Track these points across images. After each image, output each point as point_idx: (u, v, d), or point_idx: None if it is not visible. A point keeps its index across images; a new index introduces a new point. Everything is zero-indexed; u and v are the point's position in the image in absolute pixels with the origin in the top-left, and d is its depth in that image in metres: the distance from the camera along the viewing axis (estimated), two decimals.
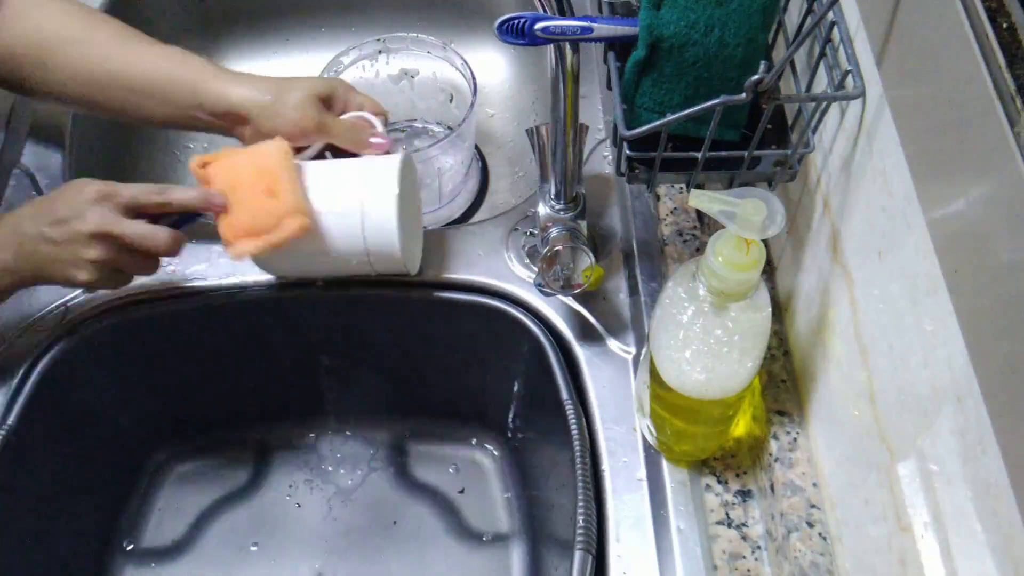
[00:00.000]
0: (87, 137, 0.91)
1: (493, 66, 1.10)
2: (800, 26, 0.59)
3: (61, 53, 0.74)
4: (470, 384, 0.88)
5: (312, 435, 0.93)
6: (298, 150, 0.74)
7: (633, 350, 0.75)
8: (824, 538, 0.60)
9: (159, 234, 0.67)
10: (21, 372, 0.74)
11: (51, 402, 0.76)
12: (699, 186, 0.61)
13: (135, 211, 0.67)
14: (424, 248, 0.80)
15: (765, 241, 0.53)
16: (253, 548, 0.87)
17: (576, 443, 0.69)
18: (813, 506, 0.61)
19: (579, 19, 0.57)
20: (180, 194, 0.68)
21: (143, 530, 0.88)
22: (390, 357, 0.87)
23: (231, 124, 0.75)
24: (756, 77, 0.51)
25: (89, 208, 0.65)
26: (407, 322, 0.82)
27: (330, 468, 0.91)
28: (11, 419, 0.72)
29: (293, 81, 0.75)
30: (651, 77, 0.57)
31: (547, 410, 0.75)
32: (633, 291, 0.78)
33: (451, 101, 1.01)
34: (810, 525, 0.61)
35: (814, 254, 0.63)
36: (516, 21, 0.56)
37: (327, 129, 0.74)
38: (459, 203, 0.99)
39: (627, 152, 0.60)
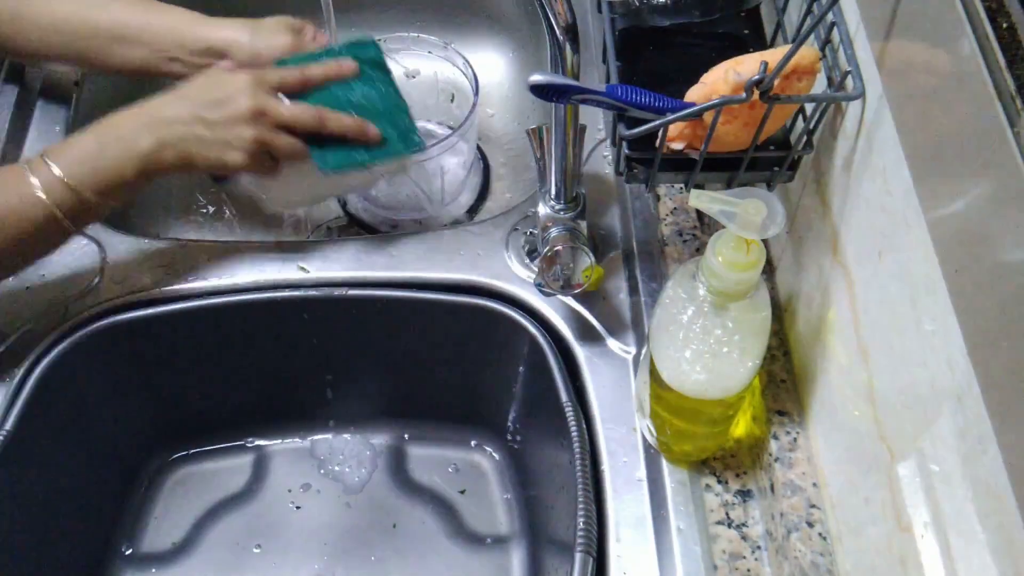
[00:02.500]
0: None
1: (493, 66, 1.10)
2: (800, 26, 0.59)
3: (37, 2, 0.74)
4: (469, 385, 0.88)
5: (311, 437, 0.93)
6: None
7: (633, 350, 0.75)
8: (824, 538, 0.60)
9: (307, 112, 0.70)
10: (20, 374, 0.74)
11: (50, 405, 0.76)
12: (699, 186, 0.61)
13: (276, 91, 0.70)
14: (424, 248, 0.80)
15: (765, 241, 0.53)
16: (253, 551, 0.87)
17: (576, 444, 0.69)
18: (813, 506, 0.61)
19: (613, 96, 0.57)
20: (316, 69, 0.72)
21: (142, 534, 0.87)
22: (389, 359, 0.87)
23: (210, 64, 0.75)
24: (756, 77, 0.51)
25: (246, 89, 0.68)
26: (406, 323, 0.82)
27: (329, 470, 0.91)
28: (9, 422, 0.72)
29: (266, 18, 0.78)
30: None
31: (547, 411, 0.75)
32: (633, 291, 0.78)
33: (452, 101, 1.01)
34: (810, 525, 0.61)
35: (814, 254, 0.63)
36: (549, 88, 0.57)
37: (303, 52, 0.76)
38: (460, 203, 0.99)
39: (626, 152, 0.60)
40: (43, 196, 0.64)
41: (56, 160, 0.65)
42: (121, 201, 0.69)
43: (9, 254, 0.66)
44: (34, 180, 0.64)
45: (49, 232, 0.66)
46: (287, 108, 0.70)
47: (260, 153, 0.70)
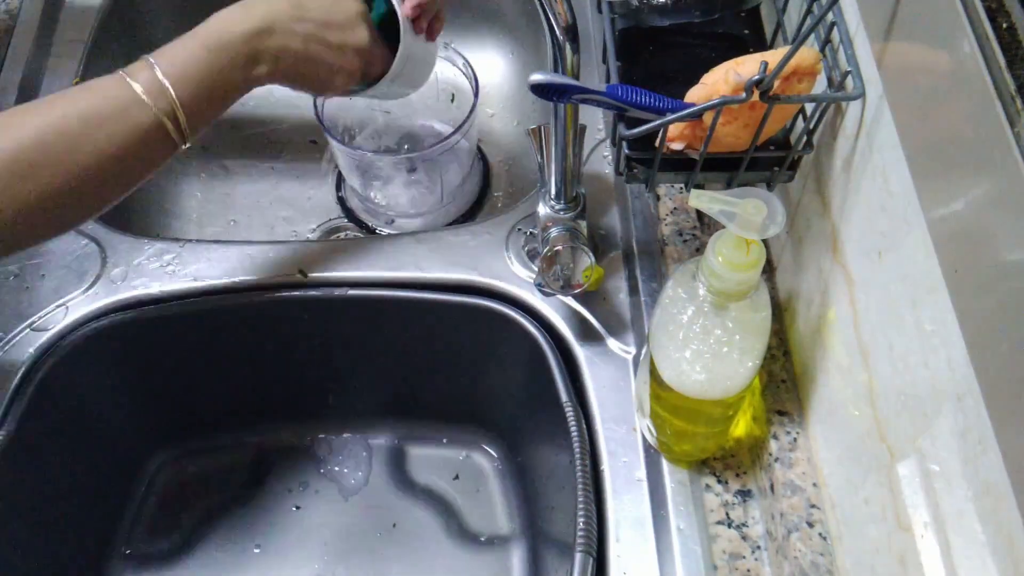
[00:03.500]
0: None
1: (493, 66, 1.10)
2: (800, 26, 0.59)
3: None
4: (469, 385, 0.88)
5: (311, 438, 0.93)
6: None
7: (633, 350, 0.75)
8: (824, 538, 0.60)
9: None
10: (20, 375, 0.74)
11: (50, 405, 0.76)
12: (699, 186, 0.61)
13: None
14: (425, 248, 0.80)
15: (765, 241, 0.53)
16: (253, 551, 0.87)
17: (576, 444, 0.69)
18: (813, 506, 0.61)
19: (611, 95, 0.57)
20: None
21: (142, 534, 0.87)
22: (389, 359, 0.87)
23: None
24: (756, 77, 0.51)
25: (360, 23, 0.68)
26: (406, 323, 0.82)
27: (329, 471, 0.91)
28: (9, 422, 0.72)
29: None
30: None
31: (547, 411, 0.75)
32: (633, 291, 0.78)
33: (452, 101, 1.01)
34: (810, 525, 0.61)
35: (814, 254, 0.63)
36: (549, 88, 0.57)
37: None
38: (460, 203, 0.99)
39: (626, 152, 0.60)
40: (146, 100, 0.59)
41: (160, 60, 0.61)
42: (225, 109, 0.65)
43: (115, 168, 0.59)
44: (136, 84, 0.59)
45: (156, 141, 0.60)
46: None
47: (359, 68, 0.69)
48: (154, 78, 0.60)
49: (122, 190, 0.62)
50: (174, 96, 0.60)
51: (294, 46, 0.64)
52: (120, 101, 0.59)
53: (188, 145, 0.62)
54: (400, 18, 0.73)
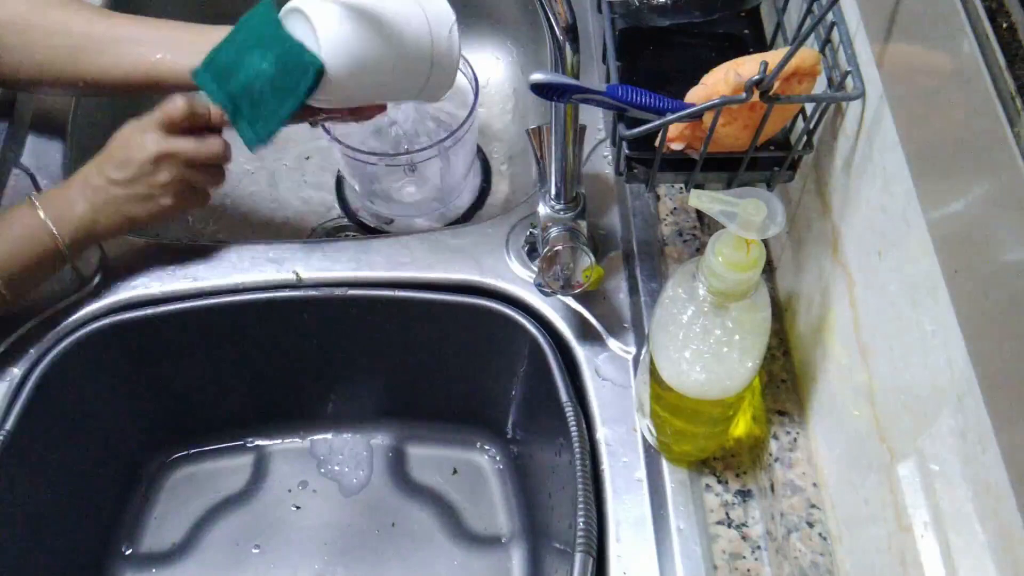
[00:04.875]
0: (88, 135, 0.91)
1: (493, 66, 1.10)
2: (800, 27, 0.59)
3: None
4: (469, 385, 0.88)
5: (311, 437, 0.93)
6: None
7: (633, 350, 0.75)
8: (824, 538, 0.60)
9: (211, 142, 0.72)
10: (20, 374, 0.74)
11: (50, 405, 0.76)
12: (699, 186, 0.61)
13: (176, 128, 0.71)
14: (424, 248, 0.80)
15: (765, 241, 0.53)
16: (253, 551, 0.87)
17: (576, 444, 0.69)
18: (813, 506, 0.61)
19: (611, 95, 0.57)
20: (202, 107, 0.73)
21: (142, 534, 0.87)
22: (389, 359, 0.87)
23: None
24: (756, 77, 0.51)
25: (144, 141, 0.70)
26: (406, 323, 0.82)
27: (329, 470, 0.91)
28: (9, 422, 0.72)
29: None
30: None
31: (547, 411, 0.75)
32: (633, 291, 0.78)
33: (452, 101, 1.01)
34: (810, 525, 0.61)
35: (814, 254, 0.63)
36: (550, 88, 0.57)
37: None
38: (460, 203, 0.99)
39: (626, 152, 0.60)
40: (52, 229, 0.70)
41: (42, 205, 0.70)
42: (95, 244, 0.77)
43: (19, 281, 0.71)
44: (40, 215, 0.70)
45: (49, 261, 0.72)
46: (187, 145, 0.71)
47: (185, 190, 0.73)
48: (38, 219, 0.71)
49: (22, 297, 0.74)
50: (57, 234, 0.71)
51: (104, 199, 0.71)
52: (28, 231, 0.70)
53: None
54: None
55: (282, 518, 0.88)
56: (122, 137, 0.71)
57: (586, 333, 0.76)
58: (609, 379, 0.73)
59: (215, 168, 0.75)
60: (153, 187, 0.71)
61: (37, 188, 0.84)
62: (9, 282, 0.70)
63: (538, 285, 0.73)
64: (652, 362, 0.60)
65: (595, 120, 0.90)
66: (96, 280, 0.78)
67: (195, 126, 0.72)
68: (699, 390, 0.58)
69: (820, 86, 0.58)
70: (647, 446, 0.69)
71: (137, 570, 0.85)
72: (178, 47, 0.75)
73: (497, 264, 0.80)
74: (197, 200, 0.75)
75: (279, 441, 0.93)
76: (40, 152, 0.87)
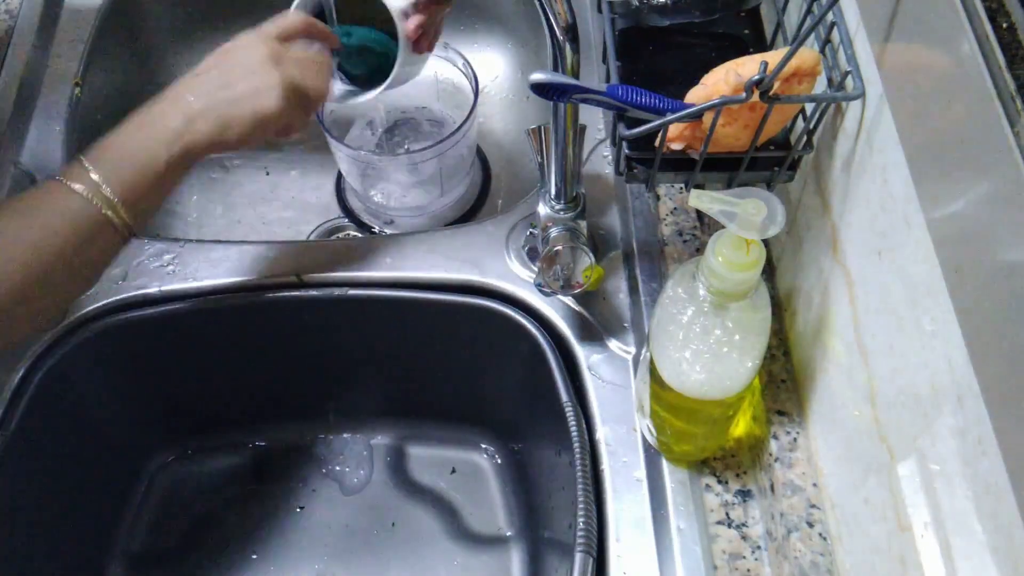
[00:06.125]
0: (88, 135, 0.91)
1: (493, 66, 1.10)
2: (800, 26, 0.59)
3: None
4: (469, 385, 0.88)
5: (311, 438, 0.93)
6: None
7: (633, 350, 0.75)
8: (824, 538, 0.60)
9: (320, 48, 0.71)
10: (20, 374, 0.74)
11: (50, 405, 0.76)
12: (699, 186, 0.61)
13: (288, 39, 0.69)
14: (424, 248, 0.80)
15: (765, 241, 0.53)
16: (253, 551, 0.87)
17: (576, 444, 0.69)
18: (813, 506, 0.61)
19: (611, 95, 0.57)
20: (316, 24, 0.72)
21: (142, 534, 0.87)
22: (389, 359, 0.87)
23: None
24: (756, 77, 0.51)
25: (256, 42, 0.67)
26: (406, 323, 0.82)
27: (329, 470, 0.91)
28: (10, 423, 0.72)
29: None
30: None
31: (547, 411, 0.75)
32: (633, 291, 0.78)
33: (452, 101, 1.01)
34: (810, 525, 0.61)
35: (814, 254, 0.63)
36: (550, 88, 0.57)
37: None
38: (460, 203, 0.99)
39: (626, 152, 0.60)
40: (93, 200, 0.61)
41: (92, 163, 0.62)
42: (167, 192, 0.65)
43: (73, 270, 0.62)
44: (77, 187, 0.60)
45: (105, 237, 0.62)
46: (298, 49, 0.69)
47: (292, 94, 0.67)
48: (91, 180, 0.61)
49: (86, 286, 0.66)
50: (112, 193, 0.61)
51: (207, 103, 0.64)
52: (66, 210, 0.60)
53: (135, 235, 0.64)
54: (400, 41, 0.73)
55: (282, 518, 0.88)
56: (224, 48, 0.67)
57: (586, 333, 0.76)
58: (609, 379, 0.73)
59: (323, 74, 0.70)
60: (262, 84, 0.65)
61: None
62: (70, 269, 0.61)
63: (538, 285, 0.73)
64: (652, 362, 0.60)
65: (595, 120, 0.90)
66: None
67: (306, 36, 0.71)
68: (699, 390, 0.58)
69: (820, 86, 0.58)
70: (647, 446, 0.69)
71: (137, 570, 0.85)
72: None
73: (497, 264, 0.80)
74: (301, 112, 0.68)
75: (279, 441, 0.93)
76: (40, 152, 0.87)
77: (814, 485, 0.62)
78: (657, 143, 0.58)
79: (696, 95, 0.56)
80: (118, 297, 0.78)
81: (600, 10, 0.65)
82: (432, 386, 0.89)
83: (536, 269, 0.76)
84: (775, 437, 0.65)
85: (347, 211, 1.00)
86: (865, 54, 0.53)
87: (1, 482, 0.71)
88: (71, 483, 0.81)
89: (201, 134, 0.64)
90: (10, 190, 0.84)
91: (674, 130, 0.58)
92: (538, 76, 0.56)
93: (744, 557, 0.64)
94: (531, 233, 0.81)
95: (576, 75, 0.63)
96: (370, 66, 0.79)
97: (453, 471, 0.91)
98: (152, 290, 0.78)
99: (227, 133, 0.64)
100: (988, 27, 0.39)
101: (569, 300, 0.77)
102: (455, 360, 0.86)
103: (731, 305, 0.54)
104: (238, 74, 0.65)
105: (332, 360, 0.87)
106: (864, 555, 0.55)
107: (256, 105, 0.65)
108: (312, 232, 0.99)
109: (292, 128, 0.70)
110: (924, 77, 0.46)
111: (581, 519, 0.65)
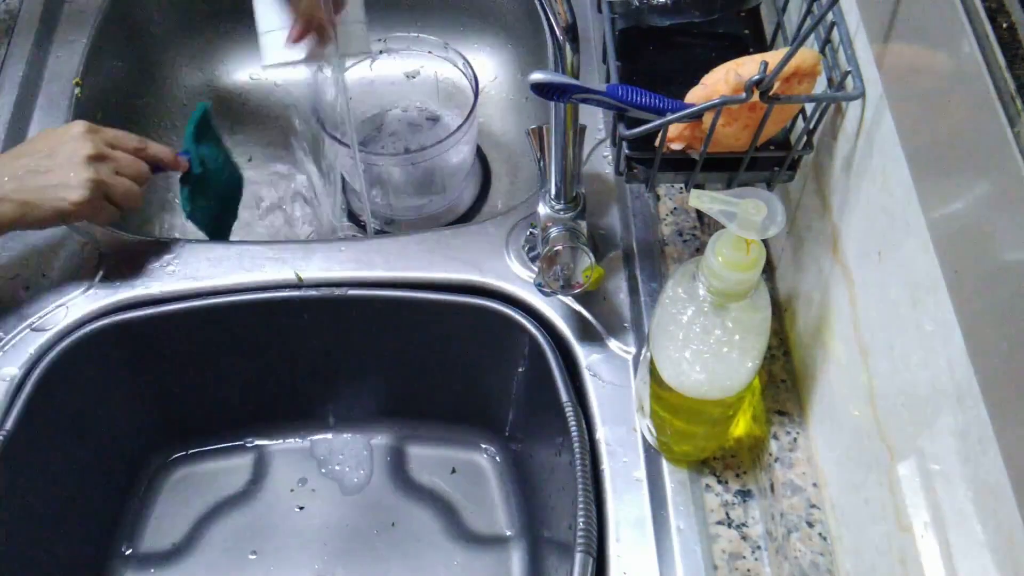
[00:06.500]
0: None
1: (493, 66, 1.10)
2: (800, 26, 0.59)
3: None
4: (469, 385, 0.88)
5: (311, 437, 0.93)
6: None
7: (633, 350, 0.75)
8: (824, 538, 0.60)
9: (140, 163, 0.75)
10: (20, 374, 0.74)
11: (50, 405, 0.76)
12: (699, 186, 0.61)
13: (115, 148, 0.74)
14: (424, 248, 0.80)
15: (765, 241, 0.53)
16: (252, 551, 0.87)
17: (576, 444, 0.69)
18: (813, 506, 0.61)
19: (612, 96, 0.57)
20: (156, 147, 0.77)
21: (142, 534, 0.87)
22: (389, 359, 0.87)
23: None
24: (756, 77, 0.51)
25: (84, 136, 0.71)
26: (406, 323, 0.82)
27: (329, 470, 0.91)
28: (9, 422, 0.72)
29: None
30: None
31: (547, 411, 0.75)
32: (633, 291, 0.78)
33: (452, 101, 1.01)
34: (810, 525, 0.61)
35: (814, 254, 0.63)
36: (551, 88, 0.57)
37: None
38: (460, 203, 0.99)
39: (626, 152, 0.60)
40: None
41: None
42: None
43: None
44: None
45: None
46: (122, 156, 0.74)
47: (99, 196, 0.72)
48: None
49: None
50: None
51: (15, 185, 0.69)
52: None
53: None
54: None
55: (282, 518, 0.88)
56: (53, 131, 0.72)
57: (586, 333, 0.76)
58: (609, 379, 0.73)
59: (134, 189, 0.75)
60: (72, 179, 0.70)
61: None
62: None
63: (538, 285, 0.73)
64: (652, 362, 0.60)
65: (595, 120, 0.90)
66: (96, 280, 0.78)
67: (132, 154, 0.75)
68: (699, 390, 0.58)
69: (820, 86, 0.58)
70: (647, 446, 0.69)
71: (137, 570, 0.85)
72: None
73: (497, 264, 0.80)
74: (106, 213, 0.74)
75: (279, 441, 0.93)
76: None
77: (814, 485, 0.62)
78: (657, 143, 0.58)
79: (696, 95, 0.56)
80: (118, 297, 0.78)
81: (600, 10, 0.65)
82: (432, 386, 0.89)
83: (536, 269, 0.76)
84: (775, 437, 0.65)
85: (347, 211, 1.00)
86: (865, 54, 0.53)
87: (1, 481, 0.71)
88: (71, 483, 0.81)
89: (2, 215, 0.69)
90: None
91: (674, 130, 0.58)
92: (538, 76, 0.56)
93: (744, 557, 0.64)
94: (531, 233, 0.81)
95: (576, 75, 0.63)
96: (216, 194, 0.87)
97: (453, 471, 0.91)
98: (152, 290, 0.78)
99: (28, 217, 0.70)
100: (988, 27, 0.39)
101: (569, 300, 0.77)
102: (455, 360, 0.86)
103: (731, 305, 0.54)
104: (54, 163, 0.70)
105: (332, 360, 0.87)
106: (864, 555, 0.55)
107: (59, 198, 0.70)
108: (312, 232, 0.99)
109: (97, 220, 0.75)
110: (924, 77, 0.46)
111: (581, 519, 0.65)
